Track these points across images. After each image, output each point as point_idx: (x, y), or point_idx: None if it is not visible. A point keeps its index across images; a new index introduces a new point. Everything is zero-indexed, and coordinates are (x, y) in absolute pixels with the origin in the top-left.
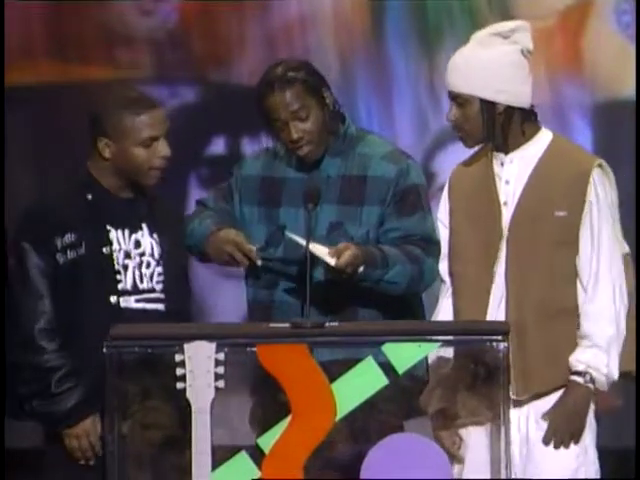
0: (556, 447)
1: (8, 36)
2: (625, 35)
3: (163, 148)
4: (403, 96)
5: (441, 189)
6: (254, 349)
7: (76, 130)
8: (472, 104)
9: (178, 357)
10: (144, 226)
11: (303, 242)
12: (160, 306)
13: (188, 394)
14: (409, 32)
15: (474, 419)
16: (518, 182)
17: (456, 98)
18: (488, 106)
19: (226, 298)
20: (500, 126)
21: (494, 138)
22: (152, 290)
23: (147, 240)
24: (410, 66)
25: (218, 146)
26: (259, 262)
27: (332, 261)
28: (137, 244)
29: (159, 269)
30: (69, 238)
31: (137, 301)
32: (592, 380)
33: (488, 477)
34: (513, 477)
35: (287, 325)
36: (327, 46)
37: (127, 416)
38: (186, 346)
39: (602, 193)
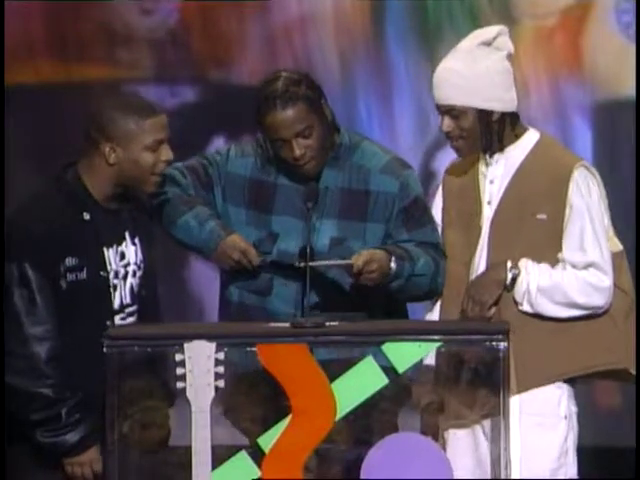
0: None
1: (8, 36)
2: (625, 35)
3: (167, 152)
4: (403, 96)
5: None
6: (254, 349)
7: (76, 130)
8: (467, 115)
9: (178, 357)
10: (127, 234)
11: (329, 262)
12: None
13: (188, 393)
14: (409, 32)
15: (474, 418)
16: (502, 181)
17: (450, 111)
18: (485, 115)
19: None
20: (496, 133)
21: (491, 145)
22: (132, 303)
23: (131, 249)
24: (410, 66)
25: (218, 146)
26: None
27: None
28: (122, 256)
29: (140, 273)
30: (70, 262)
31: (122, 319)
32: (514, 277)
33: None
34: (513, 477)
35: (287, 325)
36: (327, 46)
37: (127, 416)
38: (186, 346)
39: (586, 195)
